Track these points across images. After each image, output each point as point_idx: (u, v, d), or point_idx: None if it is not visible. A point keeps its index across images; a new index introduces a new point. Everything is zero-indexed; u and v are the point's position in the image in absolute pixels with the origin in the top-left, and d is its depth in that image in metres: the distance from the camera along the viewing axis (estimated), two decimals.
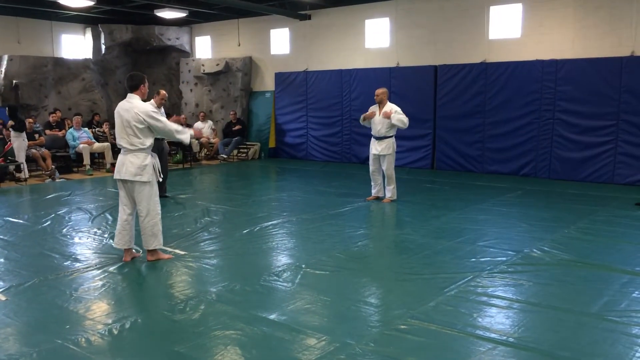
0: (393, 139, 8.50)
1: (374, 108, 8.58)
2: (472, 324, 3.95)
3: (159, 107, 8.94)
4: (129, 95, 5.51)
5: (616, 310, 4.16)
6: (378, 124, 8.40)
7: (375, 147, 8.49)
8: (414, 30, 12.56)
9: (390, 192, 8.59)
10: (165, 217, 7.71)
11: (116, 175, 5.48)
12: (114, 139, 5.86)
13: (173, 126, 5.53)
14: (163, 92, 9.01)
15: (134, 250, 5.69)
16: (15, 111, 11.20)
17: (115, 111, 5.53)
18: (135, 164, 5.35)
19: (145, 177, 5.36)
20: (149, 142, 5.42)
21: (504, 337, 3.72)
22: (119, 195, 5.65)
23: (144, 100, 5.58)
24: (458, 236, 6.42)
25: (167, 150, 9.28)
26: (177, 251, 5.89)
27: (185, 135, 5.59)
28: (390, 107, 8.36)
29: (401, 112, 8.31)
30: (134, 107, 5.36)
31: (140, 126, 5.33)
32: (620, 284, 4.74)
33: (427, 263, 5.42)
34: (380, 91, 8.46)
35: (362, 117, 8.73)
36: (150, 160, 5.42)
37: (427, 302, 4.35)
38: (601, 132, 10.32)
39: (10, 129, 11.10)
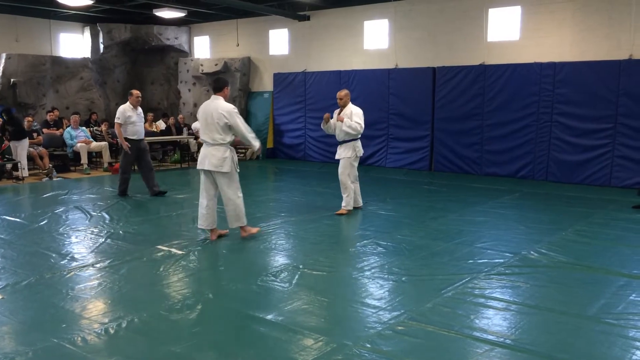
0: (353, 144, 7.69)
1: (338, 111, 7.87)
2: (470, 325, 3.95)
3: (135, 107, 9.07)
4: (214, 96, 6.18)
5: (613, 313, 4.16)
6: (337, 128, 7.74)
7: (337, 152, 7.83)
8: (412, 32, 12.58)
9: (344, 201, 7.75)
10: (162, 217, 7.74)
11: (199, 166, 6.17)
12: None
13: (248, 129, 6.18)
14: (136, 91, 9.24)
15: (218, 230, 6.37)
16: (11, 118, 10.99)
17: (200, 109, 6.20)
18: (217, 156, 6.01)
19: (225, 168, 6.03)
20: (229, 138, 6.07)
21: (501, 339, 3.71)
22: (201, 182, 6.27)
23: (226, 102, 6.20)
24: (456, 238, 6.42)
25: (146, 149, 9.45)
26: (174, 250, 5.88)
27: (256, 141, 6.24)
28: (350, 110, 7.66)
29: (361, 116, 7.63)
30: (219, 106, 6.02)
31: (222, 123, 5.97)
32: (617, 287, 4.75)
33: (424, 264, 5.42)
34: (342, 94, 7.81)
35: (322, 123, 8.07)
36: (230, 154, 6.08)
37: (425, 303, 4.34)
38: (599, 135, 10.33)
39: (9, 137, 10.95)
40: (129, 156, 9.09)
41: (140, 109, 9.26)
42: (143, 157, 9.26)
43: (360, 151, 7.78)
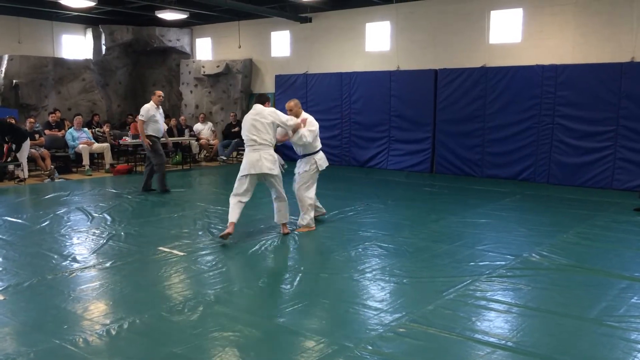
0: (314, 157, 6.95)
1: None
2: (471, 327, 3.94)
3: (157, 106, 9.39)
4: (258, 106, 6.63)
5: (615, 316, 4.15)
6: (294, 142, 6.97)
7: (296, 166, 7.20)
8: (414, 34, 12.58)
9: (301, 218, 6.93)
10: (164, 219, 7.74)
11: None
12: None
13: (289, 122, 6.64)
14: (159, 91, 9.67)
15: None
16: (5, 126, 10.77)
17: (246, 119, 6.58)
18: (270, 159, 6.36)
19: (276, 170, 6.41)
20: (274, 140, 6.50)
21: (503, 341, 3.71)
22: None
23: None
24: (457, 240, 6.42)
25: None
26: (176, 252, 5.88)
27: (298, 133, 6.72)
28: (302, 118, 6.94)
29: (312, 125, 6.85)
30: (264, 109, 6.51)
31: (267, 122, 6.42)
32: (618, 289, 4.74)
33: (425, 266, 5.41)
34: (291, 104, 7.00)
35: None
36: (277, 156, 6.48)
37: (426, 305, 4.34)
38: (600, 138, 10.33)
39: (14, 149, 10.83)
40: (160, 151, 9.52)
41: (161, 109, 9.70)
42: (159, 154, 9.66)
43: (322, 165, 6.98)
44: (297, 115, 6.95)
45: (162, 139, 9.74)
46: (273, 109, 6.57)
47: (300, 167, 7.05)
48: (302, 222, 6.91)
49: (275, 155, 6.46)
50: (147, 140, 9.31)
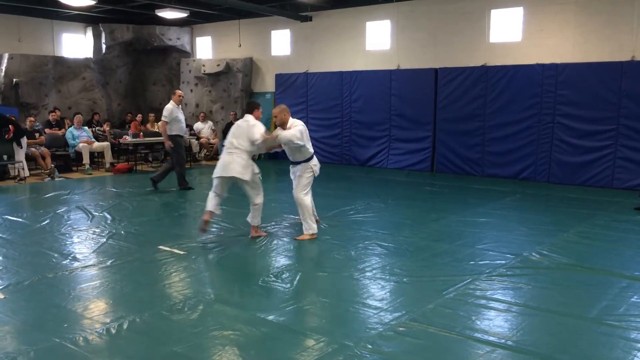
0: (309, 163, 6.64)
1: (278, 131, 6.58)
2: (471, 326, 3.95)
3: (178, 105, 9.64)
4: (247, 116, 6.53)
5: (615, 315, 4.16)
6: (287, 148, 6.71)
7: (291, 172, 6.97)
8: (414, 33, 12.58)
9: (306, 224, 6.59)
10: (165, 217, 7.74)
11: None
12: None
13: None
14: (179, 91, 9.97)
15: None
16: (9, 123, 10.89)
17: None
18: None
19: (247, 175, 6.31)
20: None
21: (503, 340, 3.71)
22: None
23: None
24: (457, 239, 6.42)
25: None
26: (176, 251, 5.88)
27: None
28: (290, 124, 6.55)
29: (297, 128, 6.39)
30: (250, 119, 6.45)
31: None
32: (619, 288, 4.74)
33: (426, 265, 5.41)
34: (276, 111, 6.64)
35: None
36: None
37: (426, 304, 4.34)
38: (601, 137, 10.32)
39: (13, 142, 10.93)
40: (181, 150, 9.72)
41: (180, 106, 9.89)
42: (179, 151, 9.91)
43: (317, 171, 6.75)
44: (283, 122, 6.55)
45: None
46: (258, 123, 6.40)
47: (297, 173, 6.73)
48: (306, 231, 6.54)
49: (250, 161, 6.33)
50: (168, 142, 9.49)
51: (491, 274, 5.12)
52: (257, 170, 6.42)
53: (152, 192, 9.58)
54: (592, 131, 10.40)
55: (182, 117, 9.71)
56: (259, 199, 6.46)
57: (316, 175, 6.78)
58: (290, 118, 6.63)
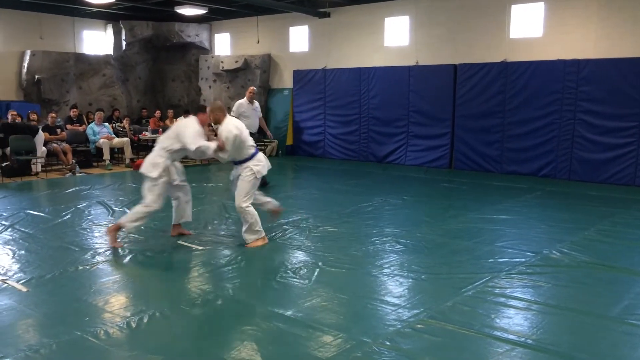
0: (247, 163, 5.93)
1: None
2: (490, 324, 3.92)
3: (250, 101, 9.72)
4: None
5: (637, 314, 4.10)
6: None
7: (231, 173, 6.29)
8: (433, 29, 12.49)
9: (248, 232, 5.97)
10: None
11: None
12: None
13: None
14: (252, 87, 10.08)
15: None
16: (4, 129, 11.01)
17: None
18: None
19: (154, 173, 5.88)
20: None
21: (522, 339, 3.68)
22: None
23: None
24: (476, 236, 6.37)
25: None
26: (195, 246, 5.92)
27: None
28: (223, 125, 5.90)
29: (232, 129, 5.78)
30: (189, 122, 5.98)
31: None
32: None
33: (444, 263, 5.39)
34: (208, 109, 6.05)
35: None
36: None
37: (444, 301, 4.32)
38: (623, 134, 10.16)
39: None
40: None
41: (256, 104, 9.98)
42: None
43: (261, 172, 5.98)
44: (216, 121, 5.96)
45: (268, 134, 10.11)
46: (194, 128, 5.80)
47: (234, 175, 6.10)
48: (251, 237, 5.96)
49: (162, 161, 5.82)
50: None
51: (510, 272, 5.07)
52: (163, 173, 5.82)
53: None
54: (614, 128, 10.24)
55: (252, 113, 9.66)
56: (147, 200, 5.83)
57: (259, 176, 5.93)
58: (228, 116, 6.04)
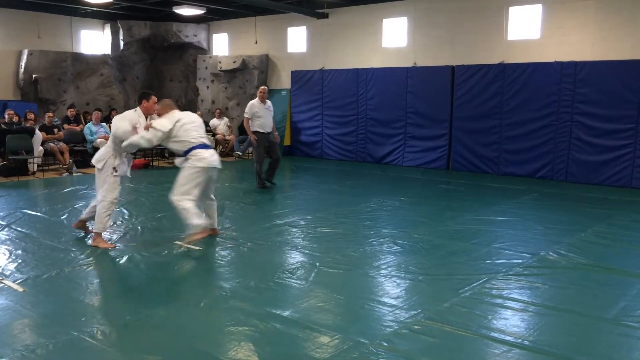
0: (190, 157, 5.85)
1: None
2: (487, 326, 3.92)
3: (262, 101, 9.59)
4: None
5: (633, 316, 4.10)
6: None
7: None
8: (431, 30, 12.50)
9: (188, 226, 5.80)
10: None
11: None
12: None
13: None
14: (263, 87, 9.87)
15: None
16: None
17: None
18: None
19: (99, 164, 5.93)
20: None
21: (519, 340, 3.69)
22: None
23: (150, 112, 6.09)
24: (473, 238, 6.38)
25: (276, 142, 9.96)
26: (192, 247, 5.92)
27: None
28: (162, 118, 5.98)
29: (167, 124, 5.78)
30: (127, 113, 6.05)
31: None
32: (637, 289, 4.68)
33: (441, 264, 5.39)
34: (161, 105, 6.10)
35: None
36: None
37: (442, 303, 4.32)
38: (620, 136, 10.18)
39: None
40: (259, 148, 9.64)
41: (269, 103, 9.82)
42: (273, 149, 9.78)
43: (211, 163, 5.88)
44: (162, 115, 6.00)
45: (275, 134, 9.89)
46: (126, 125, 5.76)
47: (177, 165, 6.08)
48: (187, 235, 5.82)
49: (102, 153, 5.90)
50: (252, 136, 9.53)
51: (508, 273, 5.08)
52: (116, 168, 5.83)
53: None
54: (610, 130, 10.26)
55: (264, 113, 9.56)
56: (100, 197, 5.84)
57: (202, 165, 5.78)
58: (176, 112, 5.98)
